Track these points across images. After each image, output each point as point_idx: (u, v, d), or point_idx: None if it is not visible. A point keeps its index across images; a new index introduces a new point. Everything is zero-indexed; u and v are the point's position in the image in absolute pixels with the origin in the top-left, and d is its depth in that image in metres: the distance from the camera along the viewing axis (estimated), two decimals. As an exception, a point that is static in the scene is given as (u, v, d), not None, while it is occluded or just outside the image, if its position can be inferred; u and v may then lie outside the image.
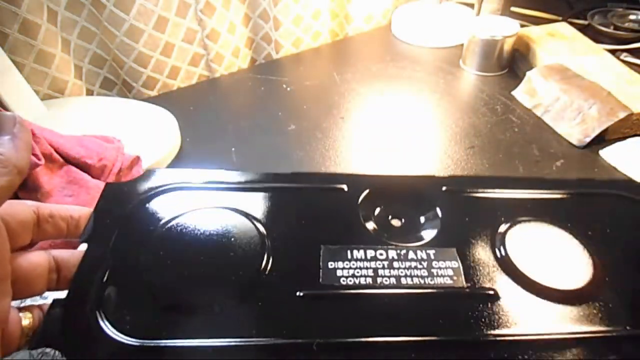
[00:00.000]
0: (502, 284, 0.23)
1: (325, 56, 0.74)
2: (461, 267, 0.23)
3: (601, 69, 0.59)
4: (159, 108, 0.55)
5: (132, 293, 0.21)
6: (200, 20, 0.63)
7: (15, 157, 0.19)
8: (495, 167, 0.50)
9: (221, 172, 0.27)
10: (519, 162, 0.51)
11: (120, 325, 0.20)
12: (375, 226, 0.25)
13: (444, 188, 0.27)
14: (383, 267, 0.23)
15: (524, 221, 0.26)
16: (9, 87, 0.47)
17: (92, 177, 0.40)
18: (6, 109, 0.47)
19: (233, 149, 0.53)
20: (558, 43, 0.65)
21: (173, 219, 0.24)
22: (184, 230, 0.23)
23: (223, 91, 0.66)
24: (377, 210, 0.27)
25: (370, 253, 0.23)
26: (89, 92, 0.62)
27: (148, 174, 0.26)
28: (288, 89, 0.65)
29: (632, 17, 0.74)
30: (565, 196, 0.28)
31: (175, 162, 0.51)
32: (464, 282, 0.23)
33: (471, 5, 0.77)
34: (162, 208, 0.25)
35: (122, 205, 0.24)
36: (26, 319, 0.20)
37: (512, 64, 0.67)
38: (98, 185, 0.39)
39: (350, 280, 0.22)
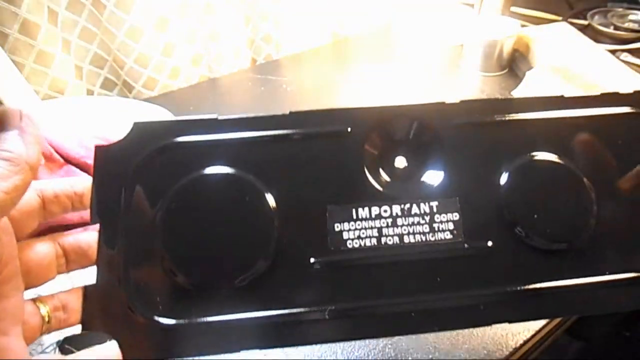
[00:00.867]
0: (499, 236, 0.23)
1: (325, 56, 0.74)
2: (461, 220, 0.23)
3: (601, 69, 0.59)
4: (159, 108, 0.55)
5: (151, 270, 0.21)
6: (200, 21, 0.63)
7: (26, 154, 0.18)
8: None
9: (214, 121, 0.25)
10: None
11: (151, 305, 0.21)
12: (380, 174, 0.25)
13: (454, 121, 0.25)
14: (387, 226, 0.23)
15: (532, 161, 0.24)
16: (9, 87, 0.47)
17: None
18: (6, 109, 0.47)
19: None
20: (558, 43, 0.65)
21: (176, 185, 0.23)
22: (190, 198, 0.23)
23: (223, 91, 0.66)
24: (382, 153, 0.25)
25: (375, 211, 0.23)
26: (90, 93, 0.62)
27: (137, 128, 0.24)
28: (288, 89, 0.65)
29: (632, 17, 0.74)
30: (584, 120, 0.25)
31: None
32: (462, 236, 0.23)
33: (471, 5, 0.77)
34: (163, 171, 0.23)
35: (120, 171, 0.23)
36: (43, 309, 0.21)
37: (512, 64, 0.67)
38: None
39: (356, 243, 0.23)
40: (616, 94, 0.26)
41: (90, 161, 0.39)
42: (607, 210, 0.23)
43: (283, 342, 0.21)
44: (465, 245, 0.23)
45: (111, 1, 0.55)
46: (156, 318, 0.20)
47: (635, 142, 0.25)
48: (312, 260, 0.22)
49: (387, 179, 0.25)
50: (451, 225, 0.23)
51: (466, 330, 0.35)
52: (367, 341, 0.35)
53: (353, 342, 0.35)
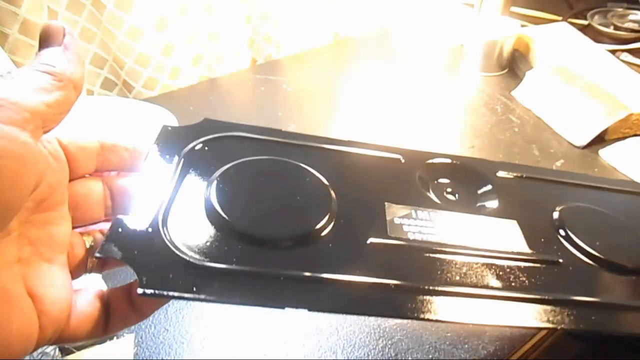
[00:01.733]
0: (565, 253, 0.25)
1: (325, 56, 0.74)
2: (523, 237, 0.25)
3: (601, 69, 0.59)
4: (159, 108, 0.55)
5: (198, 220, 0.21)
6: (200, 21, 0.63)
7: (70, 70, 0.17)
8: (495, 167, 0.50)
9: (278, 131, 0.27)
10: (519, 162, 0.51)
11: (187, 244, 0.20)
12: (433, 196, 0.27)
13: (498, 172, 0.29)
14: (448, 228, 0.24)
15: (578, 205, 0.28)
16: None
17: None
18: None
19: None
20: (558, 43, 0.65)
21: (238, 161, 0.24)
22: (249, 171, 0.24)
23: (223, 91, 0.66)
24: (434, 182, 0.28)
25: (434, 215, 0.25)
26: (90, 93, 0.62)
27: (205, 122, 0.27)
28: (288, 89, 0.65)
29: (632, 17, 0.74)
30: (605, 190, 0.31)
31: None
32: (528, 249, 0.24)
33: (471, 6, 0.77)
34: (224, 152, 0.25)
35: (181, 144, 0.24)
36: (89, 242, 0.20)
37: (512, 64, 0.67)
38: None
39: (418, 236, 0.23)
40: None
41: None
42: None
43: (320, 308, 0.20)
44: (532, 257, 0.24)
45: (111, 1, 0.55)
46: (192, 255, 0.19)
47: None
48: (369, 241, 0.22)
49: (442, 202, 0.27)
50: (515, 239, 0.25)
51: (466, 330, 0.35)
52: (367, 341, 0.35)
53: (353, 342, 0.35)
